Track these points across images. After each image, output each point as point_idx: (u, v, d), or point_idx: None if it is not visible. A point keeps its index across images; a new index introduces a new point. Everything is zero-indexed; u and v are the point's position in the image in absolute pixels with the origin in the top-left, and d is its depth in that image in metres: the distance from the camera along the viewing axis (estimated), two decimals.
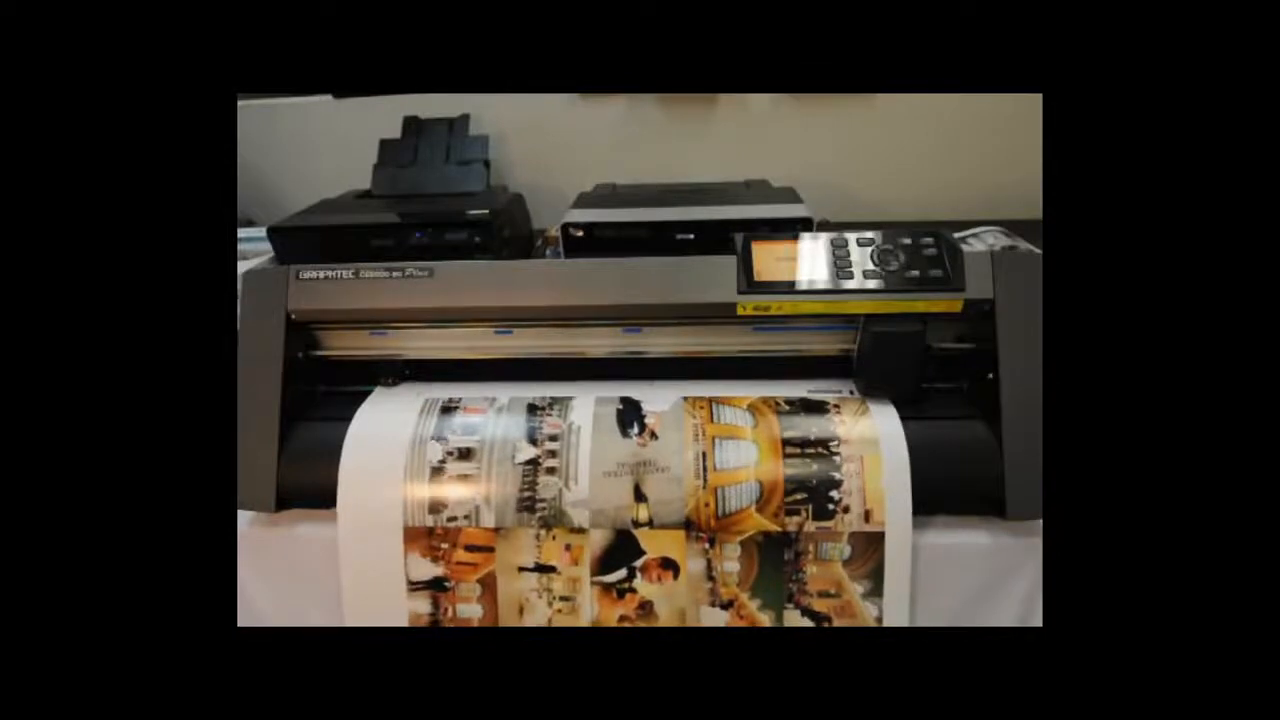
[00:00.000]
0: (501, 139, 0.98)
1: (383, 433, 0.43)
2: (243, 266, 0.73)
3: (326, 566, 0.42)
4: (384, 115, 0.93)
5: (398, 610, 0.42)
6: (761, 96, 0.94)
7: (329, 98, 1.00)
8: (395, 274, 0.45)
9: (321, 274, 0.45)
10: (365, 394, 0.47)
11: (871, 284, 0.42)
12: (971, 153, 0.94)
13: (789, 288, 0.43)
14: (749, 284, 0.43)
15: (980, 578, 0.43)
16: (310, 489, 0.43)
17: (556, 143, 0.99)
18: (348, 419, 0.44)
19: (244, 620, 0.46)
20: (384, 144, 0.92)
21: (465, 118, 0.92)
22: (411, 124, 0.93)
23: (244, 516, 0.45)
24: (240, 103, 0.90)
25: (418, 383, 0.49)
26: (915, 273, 0.42)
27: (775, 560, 0.40)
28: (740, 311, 0.43)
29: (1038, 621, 0.42)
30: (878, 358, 0.43)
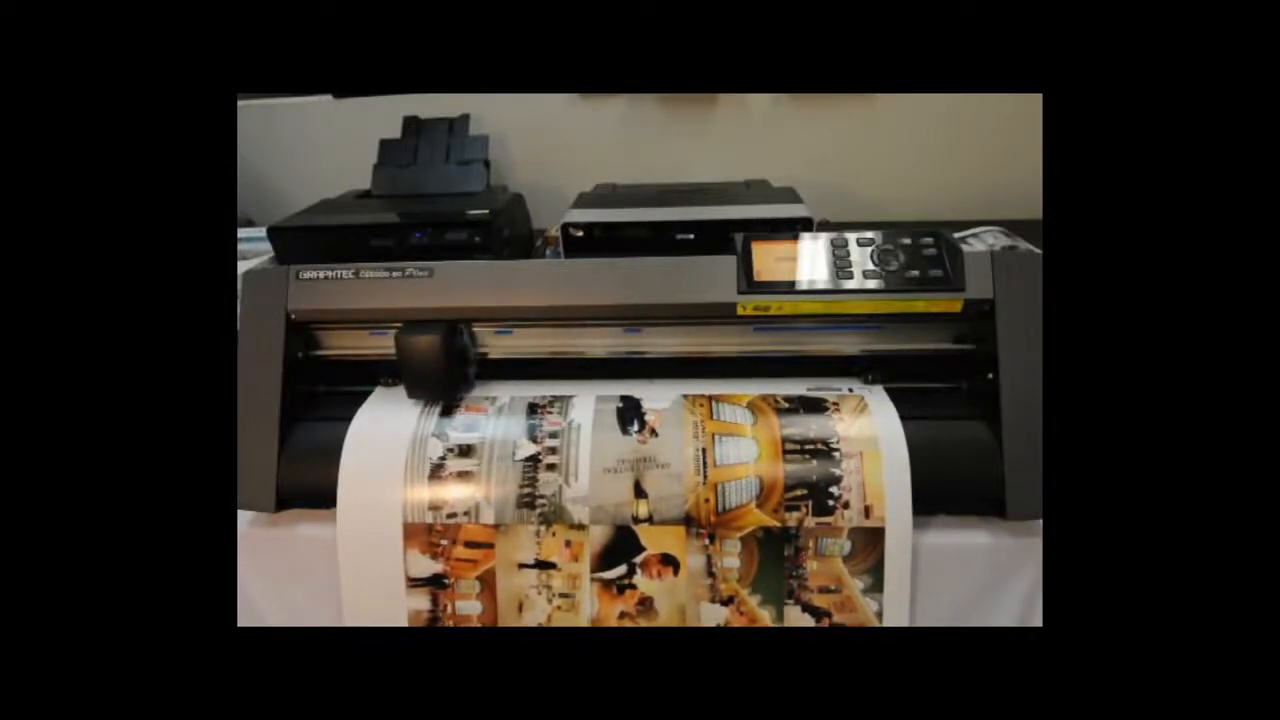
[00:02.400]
0: (501, 139, 0.98)
1: (383, 432, 0.43)
2: (243, 266, 0.73)
3: (326, 566, 0.42)
4: (384, 115, 0.93)
5: (397, 607, 0.42)
6: (761, 96, 0.94)
7: (329, 98, 1.01)
8: (395, 274, 0.45)
9: (321, 274, 0.45)
10: (365, 394, 0.47)
11: (871, 284, 0.43)
12: (971, 153, 0.94)
13: (789, 288, 0.43)
14: (749, 284, 0.43)
15: (980, 578, 0.43)
16: (310, 489, 0.43)
17: (556, 143, 0.99)
18: (348, 419, 0.44)
19: (244, 620, 0.46)
20: (384, 144, 0.92)
21: (465, 118, 0.92)
22: (411, 124, 0.93)
23: (244, 516, 0.45)
24: (240, 103, 0.90)
25: None
26: (915, 273, 0.42)
27: (775, 556, 0.40)
28: (740, 311, 0.43)
29: (1038, 621, 0.42)
30: (408, 360, 0.44)
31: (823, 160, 0.97)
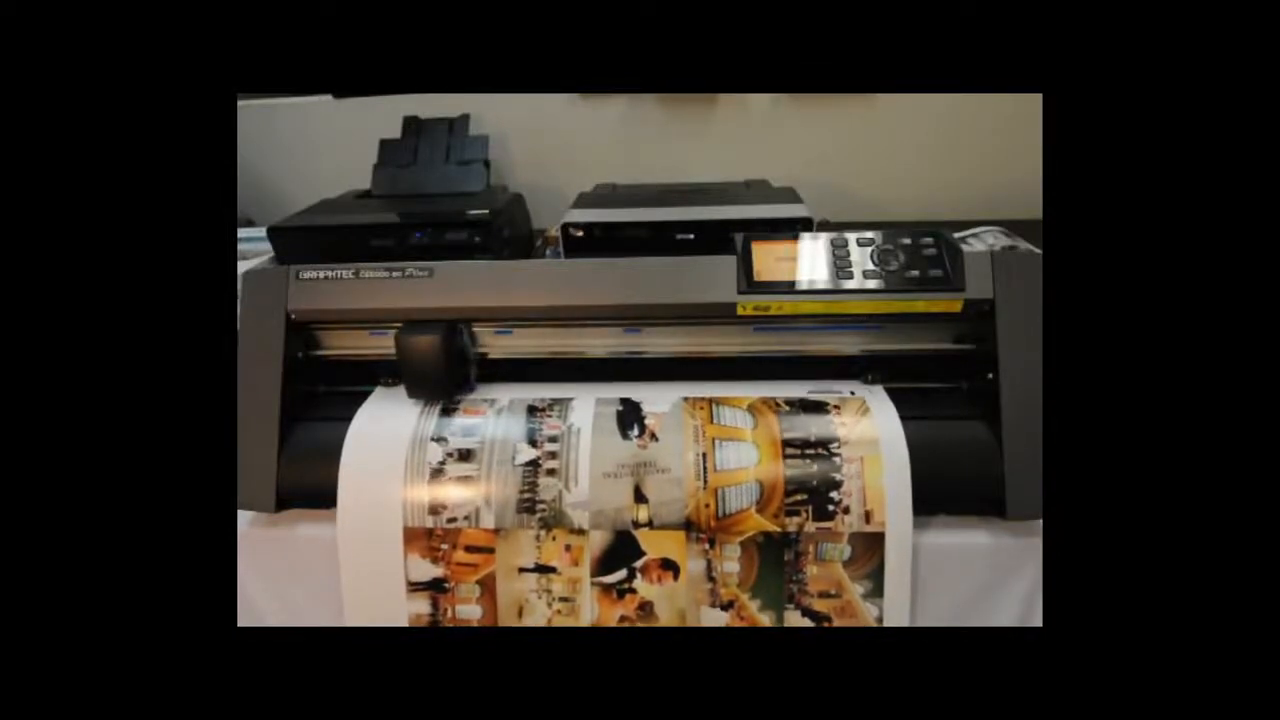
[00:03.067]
0: (501, 139, 0.98)
1: (383, 433, 0.43)
2: (243, 266, 0.73)
3: (326, 566, 0.42)
4: (384, 115, 0.93)
5: (398, 611, 0.42)
6: (761, 96, 0.94)
7: (329, 98, 1.01)
8: (395, 274, 0.45)
9: (321, 274, 0.45)
10: (365, 394, 0.47)
11: (871, 284, 0.42)
12: (971, 153, 0.94)
13: (789, 288, 0.43)
14: (749, 284, 0.43)
15: (980, 578, 0.43)
16: (310, 489, 0.43)
17: (556, 143, 0.99)
18: (348, 419, 0.44)
19: (244, 620, 0.46)
20: (384, 144, 0.92)
21: (465, 118, 0.92)
22: (411, 124, 0.93)
23: (244, 516, 0.45)
24: (240, 103, 0.90)
25: None
26: (915, 273, 0.42)
27: (775, 561, 0.40)
28: (740, 311, 0.43)
29: (1038, 621, 0.42)
30: (408, 359, 0.43)
31: (823, 160, 0.97)
